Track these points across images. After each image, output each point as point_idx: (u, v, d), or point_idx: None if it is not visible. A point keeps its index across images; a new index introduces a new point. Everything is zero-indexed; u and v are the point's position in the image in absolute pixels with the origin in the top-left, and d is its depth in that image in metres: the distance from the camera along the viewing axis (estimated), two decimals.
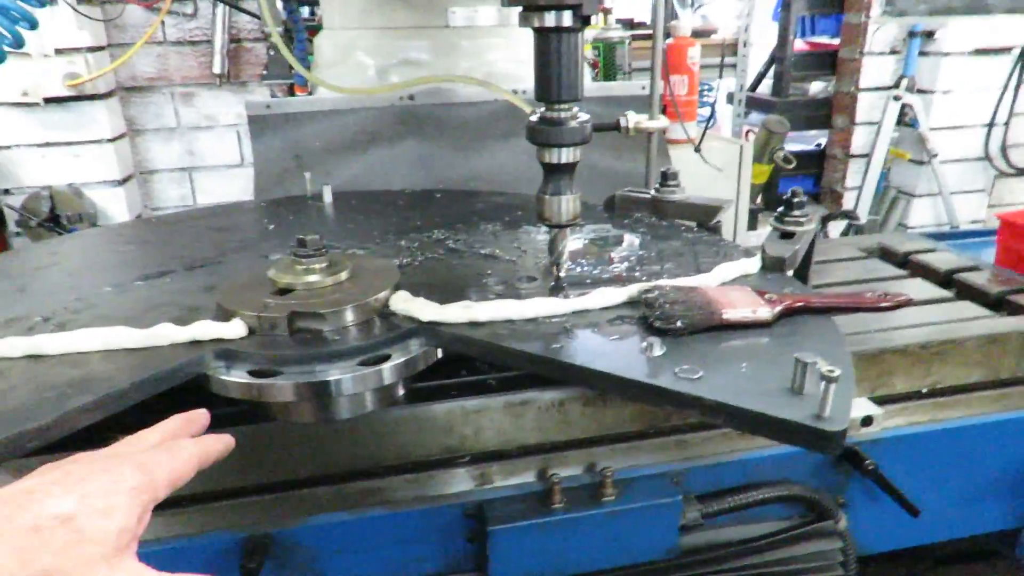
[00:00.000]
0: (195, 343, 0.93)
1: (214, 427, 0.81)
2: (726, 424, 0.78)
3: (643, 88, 1.96)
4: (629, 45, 2.15)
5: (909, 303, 1.00)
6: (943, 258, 1.58)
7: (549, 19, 0.96)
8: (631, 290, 1.01)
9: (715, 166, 1.87)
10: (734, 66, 3.66)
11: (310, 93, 1.96)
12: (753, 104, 3.98)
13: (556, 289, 1.09)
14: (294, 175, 1.75)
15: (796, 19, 3.70)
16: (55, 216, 2.57)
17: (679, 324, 0.91)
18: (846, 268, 1.54)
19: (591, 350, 0.89)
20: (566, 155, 1.05)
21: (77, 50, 2.46)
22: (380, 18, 1.89)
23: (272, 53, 2.01)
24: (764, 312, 0.94)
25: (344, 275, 1.06)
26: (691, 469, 1.16)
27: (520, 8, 0.98)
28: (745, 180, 2.22)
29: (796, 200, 1.20)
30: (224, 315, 0.98)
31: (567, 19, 0.96)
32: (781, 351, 0.88)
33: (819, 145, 4.18)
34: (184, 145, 2.86)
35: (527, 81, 1.97)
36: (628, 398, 0.86)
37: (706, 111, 4.59)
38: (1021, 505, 1.28)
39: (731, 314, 0.93)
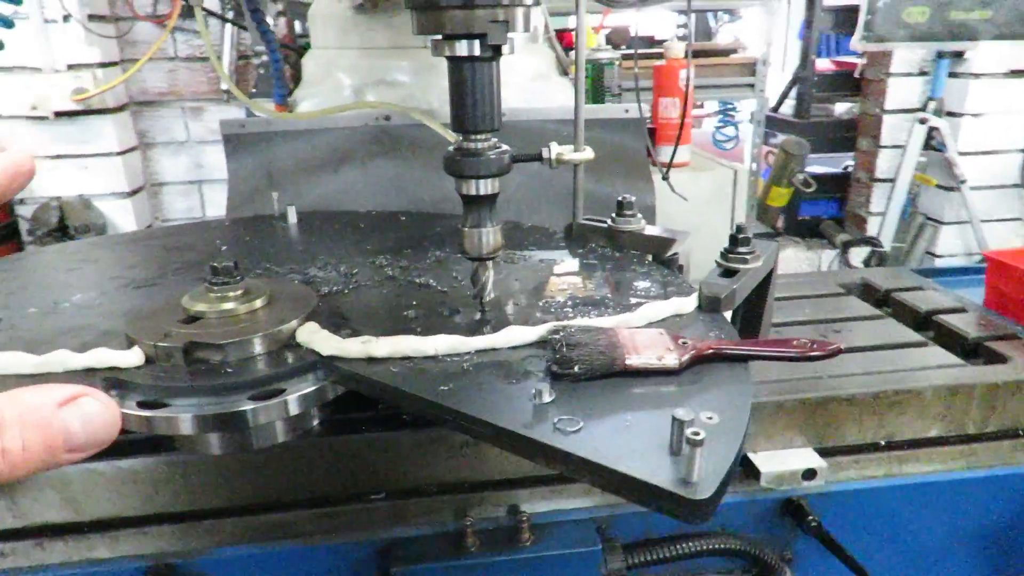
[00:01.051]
0: (90, 370, 0.92)
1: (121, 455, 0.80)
2: (593, 483, 0.73)
3: (627, 111, 1.92)
4: (619, 66, 2.11)
5: (836, 353, 0.93)
6: (926, 297, 1.49)
7: (461, 48, 0.93)
8: (541, 329, 0.97)
9: (681, 195, 1.81)
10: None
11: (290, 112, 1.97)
12: (775, 125, 3.88)
13: (478, 323, 1.05)
14: (266, 194, 1.75)
15: (819, 38, 3.59)
16: (63, 226, 2.64)
17: (576, 369, 0.87)
18: (816, 306, 1.47)
19: (480, 395, 0.85)
20: (484, 186, 1.02)
21: (87, 66, 2.53)
22: (359, 38, 1.89)
23: (262, 72, 2.03)
24: (671, 359, 0.89)
25: (259, 303, 1.05)
26: (619, 515, 1.11)
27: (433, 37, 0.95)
28: (740, 207, 2.14)
29: (741, 236, 1.14)
30: (128, 342, 0.97)
31: (478, 49, 0.93)
32: (677, 403, 0.82)
33: (847, 168, 4.05)
34: (193, 158, 2.92)
35: (508, 101, 1.95)
36: (505, 448, 0.82)
37: (731, 131, 4.51)
38: (985, 569, 1.19)
39: (634, 360, 0.88)
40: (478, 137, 0.99)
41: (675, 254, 1.35)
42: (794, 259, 3.64)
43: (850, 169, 3.86)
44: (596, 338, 0.92)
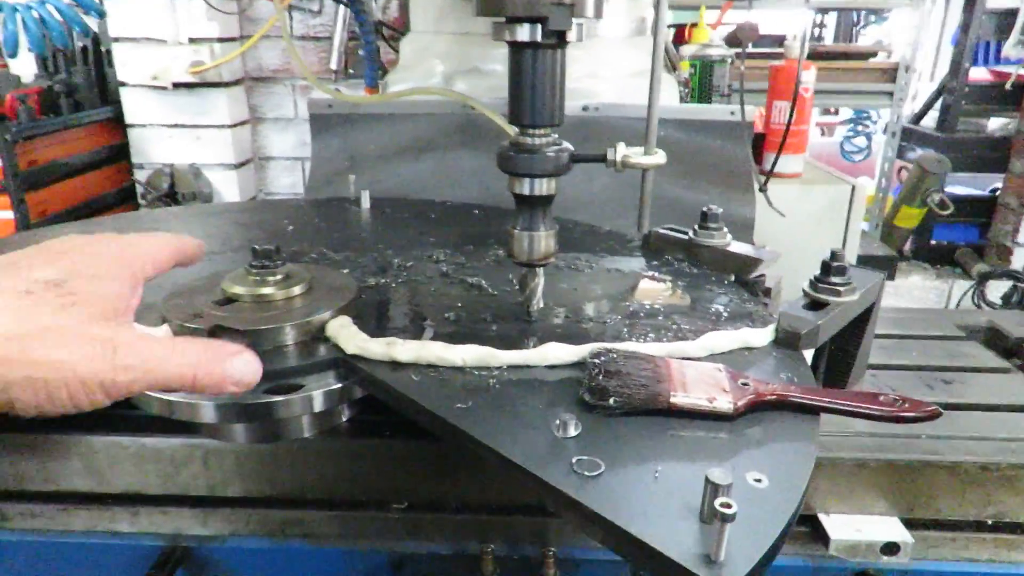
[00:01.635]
0: None
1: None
2: (604, 542, 0.63)
3: (732, 114, 1.76)
4: (732, 64, 1.93)
5: (933, 416, 0.77)
6: None
7: (520, 32, 0.84)
8: (582, 349, 0.87)
9: (778, 210, 1.63)
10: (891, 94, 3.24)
11: None
12: (913, 138, 3.53)
13: (519, 334, 0.96)
14: (347, 176, 1.73)
15: (975, 44, 3.22)
16: (173, 192, 2.77)
17: (611, 401, 0.76)
18: (927, 350, 1.27)
19: (498, 418, 0.76)
20: (538, 186, 0.92)
21: (207, 40, 2.63)
22: (455, 23, 1.83)
23: (360, 53, 2.02)
24: (723, 402, 0.76)
25: (297, 289, 1.01)
26: None
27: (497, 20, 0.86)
28: (854, 227, 1.93)
29: (835, 264, 0.99)
30: (161, 319, 0.95)
31: (539, 34, 0.83)
32: (721, 456, 0.70)
33: (993, 191, 3.63)
34: (299, 135, 2.98)
35: (603, 96, 1.84)
36: (516, 483, 0.73)
37: (862, 142, 4.15)
38: None
39: (680, 398, 0.77)
40: (536, 132, 0.90)
41: (760, 276, 1.21)
42: (919, 287, 3.30)
43: (997, 193, 3.45)
44: (640, 367, 0.81)
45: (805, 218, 1.94)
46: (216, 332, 0.91)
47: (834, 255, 0.99)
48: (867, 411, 0.78)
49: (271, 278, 1.01)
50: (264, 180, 3.08)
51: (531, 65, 0.86)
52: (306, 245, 1.31)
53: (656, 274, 1.20)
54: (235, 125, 2.83)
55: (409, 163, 1.78)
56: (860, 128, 3.97)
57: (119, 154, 2.84)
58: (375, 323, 0.99)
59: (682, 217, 1.75)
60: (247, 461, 0.98)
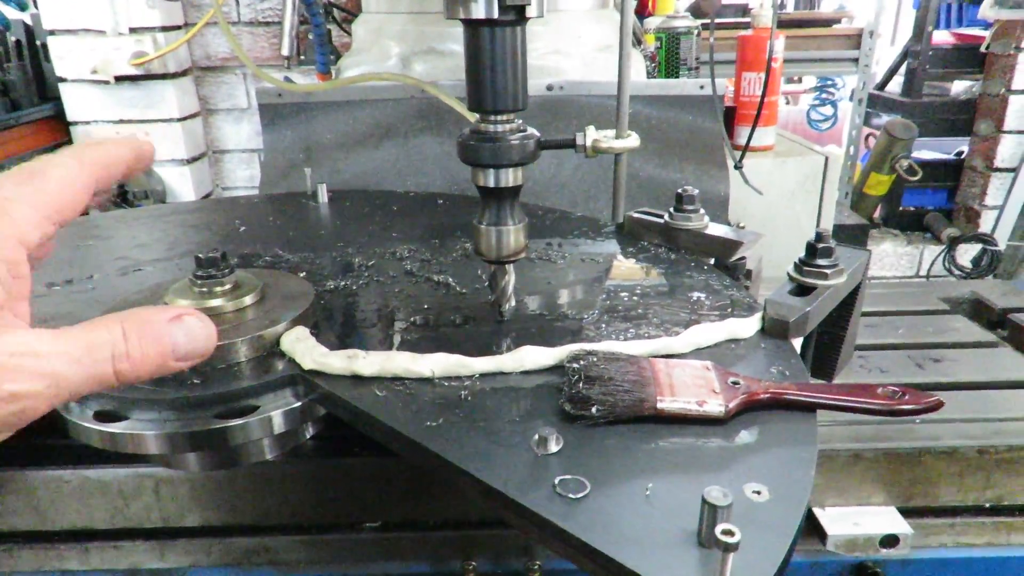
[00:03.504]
0: None
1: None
2: (594, 574, 0.57)
3: (701, 88, 1.70)
4: (698, 36, 1.87)
5: (935, 407, 0.72)
6: None
7: (476, 8, 0.77)
8: (560, 352, 0.81)
9: (755, 188, 1.58)
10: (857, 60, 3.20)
11: None
12: (879, 104, 3.51)
13: (491, 337, 0.90)
14: (302, 169, 1.64)
15: (939, 7, 3.19)
16: (123, 192, 2.64)
17: (593, 411, 0.70)
18: (913, 326, 1.23)
19: (472, 436, 0.70)
20: (504, 177, 0.85)
21: (149, 29, 2.49)
22: (409, 2, 1.74)
23: (310, 37, 1.92)
24: (715, 405, 0.71)
25: (249, 299, 0.93)
26: None
27: None
28: (829, 199, 1.88)
29: (821, 245, 0.93)
30: None
31: (496, 9, 0.76)
32: (716, 465, 0.65)
33: (959, 154, 3.63)
34: (254, 126, 2.86)
35: (568, 74, 1.77)
36: (491, 511, 0.67)
37: (828, 110, 4.13)
38: None
39: (668, 403, 0.71)
40: (498, 118, 0.83)
41: (741, 259, 1.15)
42: (892, 254, 3.30)
43: (964, 156, 3.45)
44: (624, 370, 0.75)
45: (779, 191, 1.90)
46: None
47: (819, 236, 0.94)
48: (866, 406, 0.73)
49: (218, 288, 0.92)
50: (220, 175, 2.96)
51: (489, 45, 0.79)
52: (259, 247, 1.23)
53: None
54: (185, 118, 2.70)
55: (369, 152, 1.70)
56: (825, 96, 3.94)
57: None
58: (335, 333, 0.92)
59: (656, 197, 1.69)
60: (203, 489, 0.91)
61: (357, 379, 0.80)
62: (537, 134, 0.85)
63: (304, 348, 0.83)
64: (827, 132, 4.19)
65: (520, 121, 0.85)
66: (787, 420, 0.72)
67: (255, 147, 2.90)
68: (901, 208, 3.42)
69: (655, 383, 0.73)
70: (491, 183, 0.85)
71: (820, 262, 0.93)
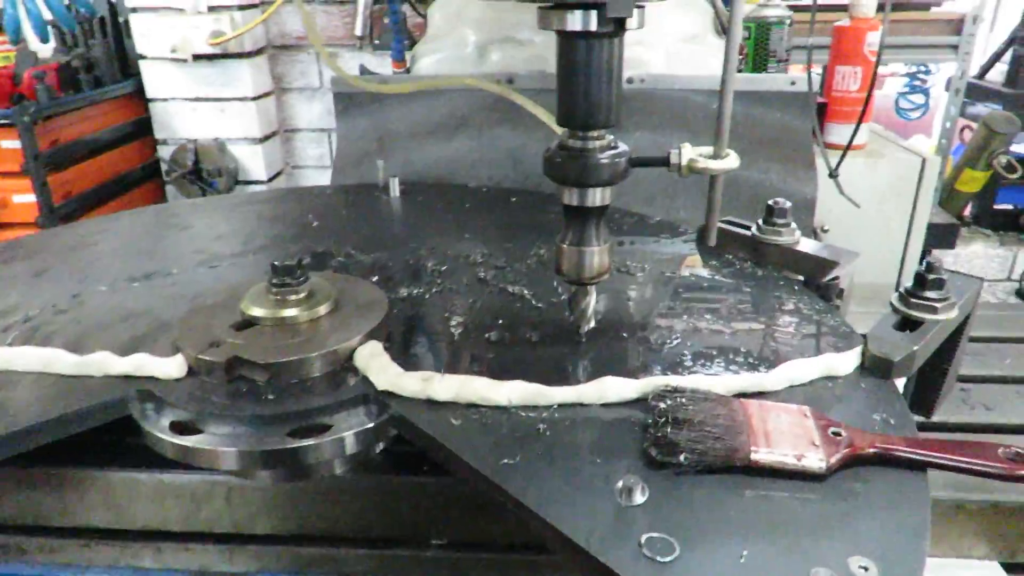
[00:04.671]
0: (128, 377, 0.83)
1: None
2: None
3: (792, 84, 1.60)
4: (791, 26, 1.76)
5: None
6: None
7: (572, 20, 0.72)
8: (643, 385, 0.76)
9: (852, 200, 1.48)
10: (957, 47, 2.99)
11: (407, 70, 1.81)
12: (977, 94, 3.28)
13: (569, 360, 0.86)
14: (375, 158, 1.62)
15: None
16: (198, 169, 2.68)
17: (682, 458, 0.66)
18: (1020, 355, 1.14)
19: (549, 477, 0.66)
20: (592, 197, 0.81)
21: (227, 8, 2.50)
22: None
23: (386, 21, 1.88)
24: (814, 459, 0.65)
25: (323, 309, 0.92)
26: None
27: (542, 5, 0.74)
28: (924, 207, 1.76)
29: (932, 276, 0.86)
30: (174, 347, 0.87)
31: (594, 22, 0.71)
32: (818, 534, 0.60)
33: None
34: (326, 105, 2.87)
35: (650, 66, 1.69)
36: (570, 562, 0.63)
37: (920, 98, 3.89)
38: None
39: (763, 455, 0.66)
40: (589, 135, 0.78)
41: (834, 279, 1.08)
42: (982, 256, 3.10)
43: None
44: (714, 413, 0.70)
45: (870, 194, 1.78)
46: (234, 364, 0.83)
47: (930, 267, 0.86)
48: (983, 469, 0.66)
49: (293, 297, 0.91)
50: (291, 153, 2.98)
51: (584, 58, 0.74)
52: (332, 245, 1.21)
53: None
54: (259, 97, 2.72)
55: (442, 142, 1.66)
56: (917, 83, 3.72)
57: (142, 130, 2.76)
58: (408, 347, 0.89)
59: (736, 197, 1.61)
60: (273, 498, 0.91)
61: (431, 403, 0.77)
62: (628, 151, 0.80)
63: (378, 366, 0.81)
64: (917, 122, 3.97)
65: (611, 137, 0.80)
66: (894, 479, 0.66)
67: (325, 126, 2.91)
68: (995, 207, 3.21)
69: (749, 430, 0.68)
70: (576, 202, 0.81)
71: (929, 295, 0.86)
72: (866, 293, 1.76)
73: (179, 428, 0.80)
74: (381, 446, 0.89)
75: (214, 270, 1.13)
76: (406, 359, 0.85)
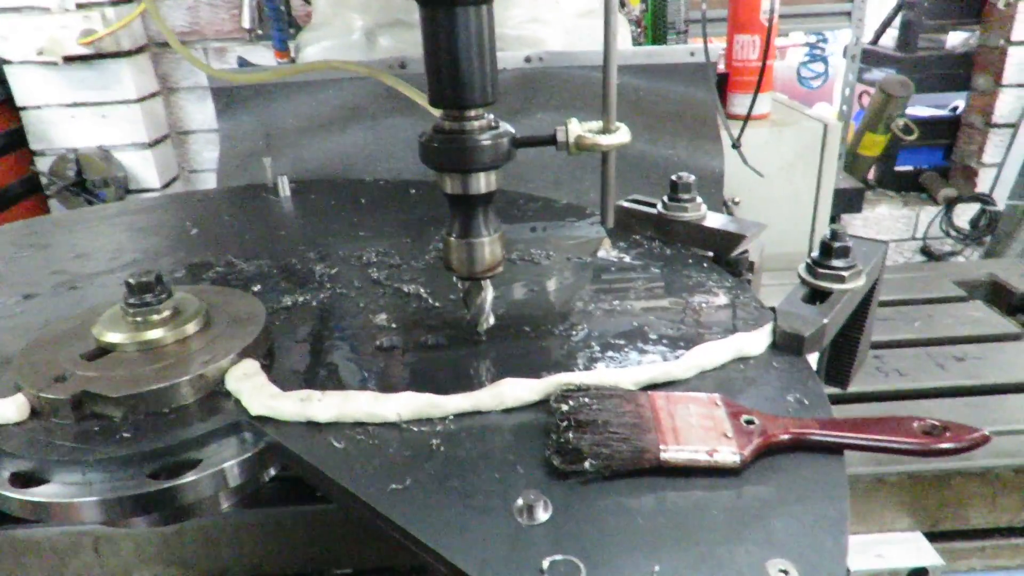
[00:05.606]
0: None
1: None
2: None
3: (692, 55, 1.57)
4: None
5: (981, 443, 0.63)
6: None
7: None
8: (544, 385, 0.70)
9: (755, 170, 1.46)
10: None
11: (292, 60, 1.70)
12: (872, 59, 3.37)
13: (467, 362, 0.79)
14: (262, 157, 1.51)
15: None
16: (81, 180, 2.48)
17: (587, 464, 0.60)
18: (929, 317, 1.14)
19: (444, 502, 0.59)
20: (475, 183, 0.74)
21: (97, 4, 2.31)
22: None
23: (266, 9, 1.76)
24: (727, 453, 0.61)
25: (191, 327, 0.81)
26: None
27: None
28: (829, 172, 1.77)
29: (837, 244, 0.83)
30: (15, 387, 0.75)
31: None
32: (733, 538, 0.55)
33: (955, 110, 3.51)
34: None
35: (548, 43, 1.63)
36: None
37: (819, 67, 3.98)
38: None
39: (674, 453, 0.61)
40: (466, 115, 0.71)
41: (743, 252, 1.05)
42: (887, 217, 3.20)
43: (960, 112, 3.33)
44: (620, 411, 0.64)
45: (776, 163, 1.78)
46: (83, 401, 0.72)
47: (835, 234, 0.83)
48: (902, 446, 0.63)
49: (155, 317, 0.81)
50: (185, 157, 2.80)
51: (450, 27, 0.66)
52: (211, 253, 1.11)
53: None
54: (144, 99, 2.53)
55: (335, 136, 1.56)
56: (816, 52, 3.80)
57: (16, 142, 2.53)
58: (290, 364, 0.81)
59: (646, 176, 1.57)
60: (149, 544, 0.81)
61: (312, 426, 0.69)
62: (511, 131, 0.73)
63: (251, 388, 0.72)
64: (818, 90, 4.06)
65: (491, 116, 0.73)
66: (810, 466, 0.62)
67: None
68: (896, 168, 3.31)
69: (656, 427, 0.63)
70: (459, 190, 0.74)
71: (836, 263, 0.83)
72: (779, 264, 1.75)
73: (22, 480, 0.69)
74: (271, 474, 0.80)
75: (74, 292, 1.01)
76: (286, 377, 0.77)
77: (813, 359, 0.83)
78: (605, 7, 0.69)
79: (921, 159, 3.38)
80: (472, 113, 0.71)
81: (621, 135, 0.73)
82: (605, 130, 0.73)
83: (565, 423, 0.63)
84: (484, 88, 0.70)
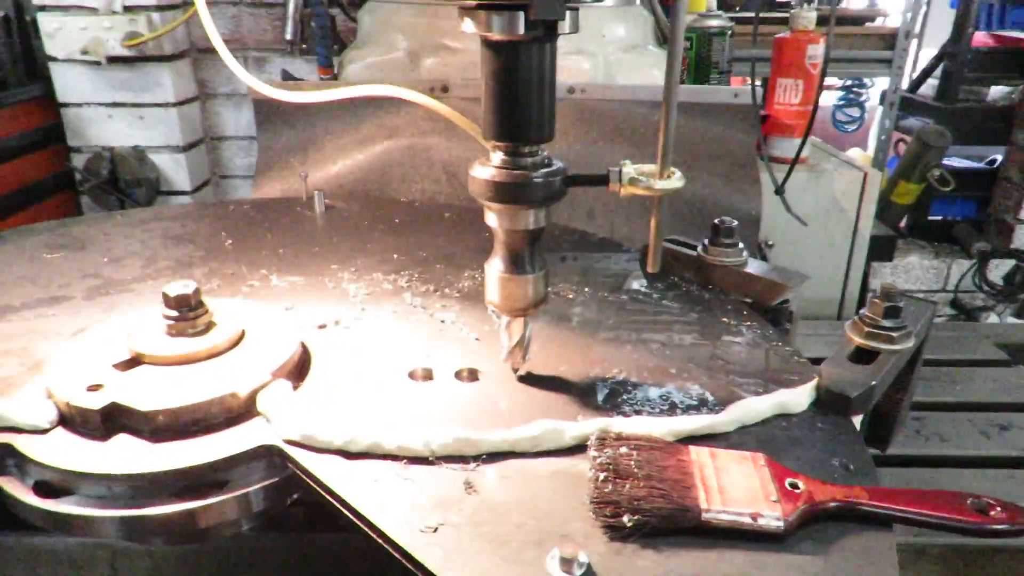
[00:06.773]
0: None
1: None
2: None
3: (736, 96, 1.56)
4: (732, 37, 1.72)
5: None
6: None
7: (496, 23, 0.63)
8: (584, 429, 0.68)
9: (800, 218, 1.44)
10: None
11: (335, 76, 1.71)
12: (911, 108, 3.35)
13: (500, 397, 0.78)
14: (299, 171, 1.51)
15: (980, 7, 3.02)
16: (114, 179, 2.51)
17: (625, 519, 0.58)
18: (969, 380, 1.10)
19: (476, 548, 0.58)
20: (525, 219, 0.72)
21: (144, 8, 2.35)
22: None
23: (313, 24, 1.78)
24: (771, 518, 0.58)
25: (225, 344, 0.81)
26: None
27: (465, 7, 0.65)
28: (866, 221, 1.75)
29: (889, 304, 0.80)
30: (47, 393, 0.75)
31: (521, 25, 0.63)
32: None
33: (991, 163, 3.47)
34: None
35: (590, 76, 1.63)
36: None
37: (855, 111, 3.96)
38: None
39: (716, 515, 0.58)
40: (520, 150, 0.70)
41: (785, 301, 1.03)
42: (918, 267, 3.16)
43: (997, 165, 3.29)
44: (661, 465, 0.62)
45: (813, 207, 1.76)
46: (112, 413, 0.71)
47: (887, 294, 0.81)
48: (953, 523, 0.60)
49: (190, 330, 0.80)
50: (218, 162, 2.82)
51: (510, 66, 0.66)
52: (245, 267, 1.10)
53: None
54: (182, 103, 2.56)
55: (372, 154, 1.56)
56: (852, 96, 3.78)
57: (53, 137, 2.57)
58: (322, 388, 0.79)
59: (680, 215, 1.56)
60: (166, 562, 0.79)
61: (342, 454, 0.68)
62: (564, 168, 0.72)
63: (282, 410, 0.71)
64: (853, 135, 4.03)
65: (546, 153, 0.72)
66: (858, 537, 0.59)
67: (255, 134, 2.76)
68: (929, 218, 3.28)
69: (700, 484, 0.61)
70: (507, 225, 0.73)
71: (886, 323, 0.81)
72: (812, 310, 1.72)
73: (46, 489, 0.68)
74: (293, 498, 0.79)
75: (106, 298, 1.01)
76: (318, 402, 0.75)
77: (856, 419, 0.80)
78: (669, 52, 0.67)
79: (955, 210, 3.34)
80: (527, 149, 0.70)
81: (675, 181, 0.72)
82: (659, 175, 0.71)
83: (604, 474, 0.61)
84: (542, 125, 0.69)
